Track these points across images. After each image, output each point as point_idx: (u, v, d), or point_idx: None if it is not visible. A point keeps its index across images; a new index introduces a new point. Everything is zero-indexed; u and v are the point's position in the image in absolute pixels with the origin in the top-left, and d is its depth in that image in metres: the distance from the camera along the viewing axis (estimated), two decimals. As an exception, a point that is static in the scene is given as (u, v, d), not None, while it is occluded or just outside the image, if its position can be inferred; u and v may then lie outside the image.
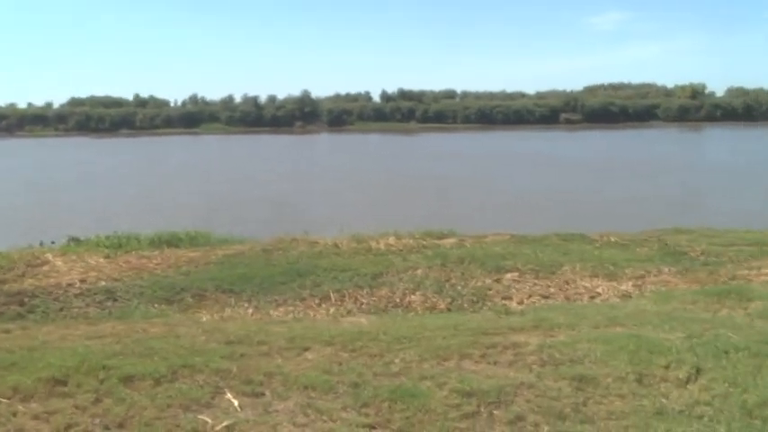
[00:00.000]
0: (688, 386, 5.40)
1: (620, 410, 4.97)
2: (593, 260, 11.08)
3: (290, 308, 8.83)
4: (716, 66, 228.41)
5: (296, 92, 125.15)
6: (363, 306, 8.89)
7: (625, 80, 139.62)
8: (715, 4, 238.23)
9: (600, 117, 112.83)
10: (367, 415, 4.95)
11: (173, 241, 13.57)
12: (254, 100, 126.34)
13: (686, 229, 14.31)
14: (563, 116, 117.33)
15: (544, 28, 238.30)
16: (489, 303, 8.83)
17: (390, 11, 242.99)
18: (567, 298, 9.28)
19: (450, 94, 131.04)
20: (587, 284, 9.89)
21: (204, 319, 8.13)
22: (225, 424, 4.78)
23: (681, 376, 5.53)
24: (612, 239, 12.94)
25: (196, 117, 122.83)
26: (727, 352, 6.03)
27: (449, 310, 8.66)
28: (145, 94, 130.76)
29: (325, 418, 4.92)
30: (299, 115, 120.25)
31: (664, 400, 5.14)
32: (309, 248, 12.07)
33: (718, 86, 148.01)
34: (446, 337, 6.57)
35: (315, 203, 30.31)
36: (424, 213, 23.59)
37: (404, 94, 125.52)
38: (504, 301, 8.96)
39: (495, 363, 5.95)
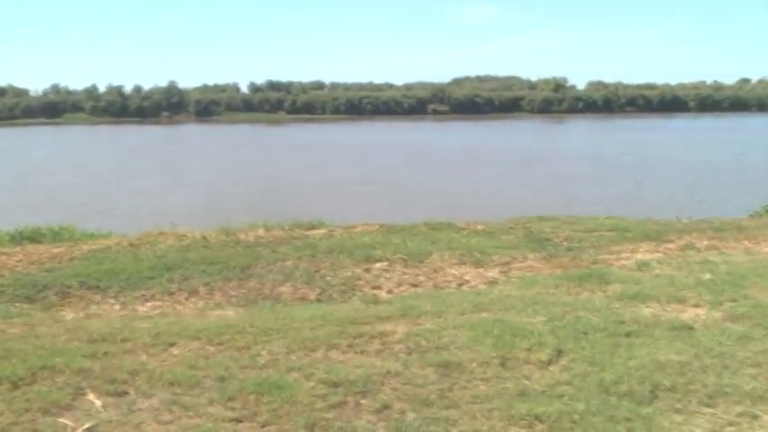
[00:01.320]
0: (549, 367, 5.54)
1: (485, 394, 5.05)
2: (461, 248, 11.22)
3: (158, 303, 8.58)
4: (578, 60, 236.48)
5: (163, 82, 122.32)
6: (233, 299, 8.73)
7: (492, 73, 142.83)
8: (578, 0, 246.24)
9: (467, 108, 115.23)
10: (233, 409, 4.86)
11: (35, 237, 12.98)
12: (119, 90, 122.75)
13: (550, 216, 14.69)
14: (431, 107, 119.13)
15: (413, 20, 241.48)
16: (359, 293, 8.82)
17: None
18: (436, 286, 9.36)
19: (318, 85, 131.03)
20: (455, 272, 10.02)
21: (68, 317, 7.80)
22: (86, 426, 4.60)
23: (543, 358, 5.67)
24: (480, 228, 13.16)
25: (59, 107, 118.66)
26: (586, 333, 6.24)
27: (318, 300, 8.61)
28: (2, 83, 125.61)
29: (190, 413, 4.81)
30: (166, 105, 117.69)
31: (526, 382, 5.25)
32: (178, 242, 11.78)
33: (579, 80, 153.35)
34: (314, 328, 6.53)
35: (185, 196, 29.73)
36: (295, 205, 23.49)
37: (272, 85, 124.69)
38: (373, 291, 8.97)
39: (362, 352, 5.94)
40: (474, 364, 5.55)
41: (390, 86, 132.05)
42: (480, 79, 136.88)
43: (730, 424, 4.70)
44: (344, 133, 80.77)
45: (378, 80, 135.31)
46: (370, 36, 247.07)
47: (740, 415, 4.80)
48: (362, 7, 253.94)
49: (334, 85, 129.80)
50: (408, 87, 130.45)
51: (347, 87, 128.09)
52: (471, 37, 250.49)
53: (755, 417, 4.78)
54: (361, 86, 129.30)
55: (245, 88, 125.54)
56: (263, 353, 5.92)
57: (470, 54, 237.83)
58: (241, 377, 5.35)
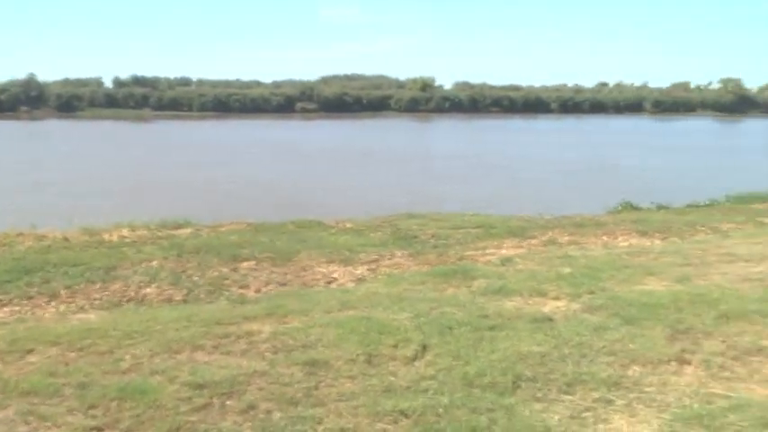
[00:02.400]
0: (415, 363, 5.64)
1: (351, 391, 5.09)
2: (330, 246, 11.27)
3: (16, 308, 8.23)
4: (444, 61, 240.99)
5: (21, 74, 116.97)
6: (96, 302, 8.47)
7: (359, 71, 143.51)
8: (442, 2, 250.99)
9: (335, 107, 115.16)
10: (94, 416, 4.73)
11: None
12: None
13: (417, 213, 14.91)
14: (299, 105, 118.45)
15: (279, 18, 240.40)
16: (226, 293, 8.73)
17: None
18: (304, 284, 9.36)
19: (185, 82, 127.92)
20: (324, 270, 10.04)
21: None
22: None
23: (408, 354, 5.76)
24: (348, 226, 13.24)
25: None
26: (451, 328, 6.37)
27: (185, 301, 8.47)
28: None
29: (48, 424, 4.65)
30: (25, 99, 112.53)
31: (392, 378, 5.33)
32: (37, 243, 11.35)
33: (446, 80, 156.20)
34: (179, 330, 6.42)
35: (47, 194, 28.65)
36: (163, 204, 22.97)
37: (137, 80, 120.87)
38: (240, 290, 8.90)
39: (228, 353, 5.89)
40: (340, 362, 5.59)
41: (258, 84, 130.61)
42: (348, 78, 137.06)
43: (587, 409, 4.89)
44: (212, 131, 79.57)
45: (246, 77, 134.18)
46: (237, 33, 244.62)
47: (596, 401, 5.02)
48: (228, 4, 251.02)
49: (201, 82, 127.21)
50: (276, 85, 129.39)
51: (214, 84, 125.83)
52: (337, 36, 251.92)
53: (610, 401, 5.01)
54: (228, 83, 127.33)
55: (108, 83, 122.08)
56: (126, 357, 5.79)
57: (337, 53, 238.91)
58: (103, 383, 5.21)
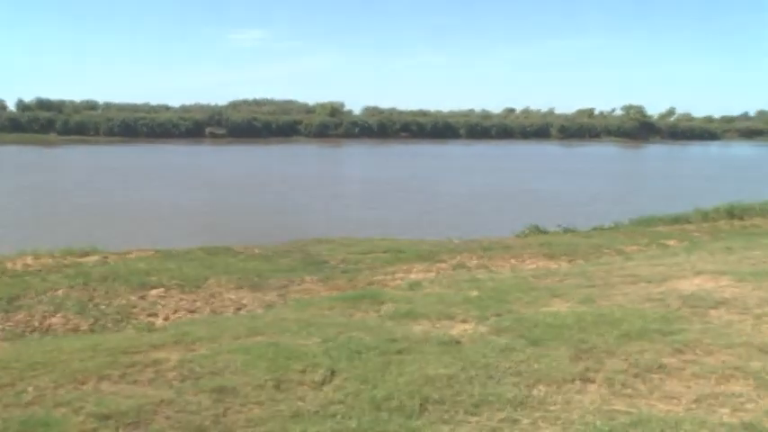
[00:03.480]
0: (323, 387, 5.66)
1: (259, 417, 5.10)
2: (239, 272, 11.23)
3: None
4: (353, 86, 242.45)
5: None
6: (-2, 333, 8.30)
7: (269, 96, 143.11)
8: (348, 27, 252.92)
9: (244, 131, 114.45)
10: (-5, 450, 4.65)
11: None
12: None
13: (327, 239, 14.99)
14: (208, 130, 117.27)
15: (189, 41, 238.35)
16: (134, 321, 8.64)
17: (28, 11, 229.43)
18: (214, 311, 9.32)
19: (91, 105, 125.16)
20: (233, 296, 10.02)
21: None
22: None
23: (316, 379, 5.79)
24: (257, 251, 13.22)
25: None
26: (359, 352, 6.41)
27: (92, 330, 8.35)
28: None
29: (-54, 459, 4.55)
30: None
31: (300, 403, 5.34)
32: (-65, 274, 11.03)
33: (355, 105, 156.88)
34: (84, 360, 6.32)
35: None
36: (68, 232, 22.48)
37: (42, 104, 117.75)
38: (149, 318, 8.82)
39: (134, 382, 5.82)
40: (248, 388, 5.58)
41: (167, 108, 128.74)
42: (257, 103, 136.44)
43: (493, 430, 4.98)
44: (119, 156, 78.14)
45: (154, 101, 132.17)
46: (144, 56, 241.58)
47: (502, 420, 5.11)
48: (135, 26, 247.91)
49: (108, 106, 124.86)
50: (185, 110, 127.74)
51: (121, 108, 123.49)
52: (246, 61, 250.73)
53: (516, 421, 5.10)
54: (136, 107, 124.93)
55: (12, 106, 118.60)
56: (29, 389, 5.67)
57: (246, 77, 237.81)
58: (4, 416, 5.10)
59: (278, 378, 5.79)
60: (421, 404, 5.31)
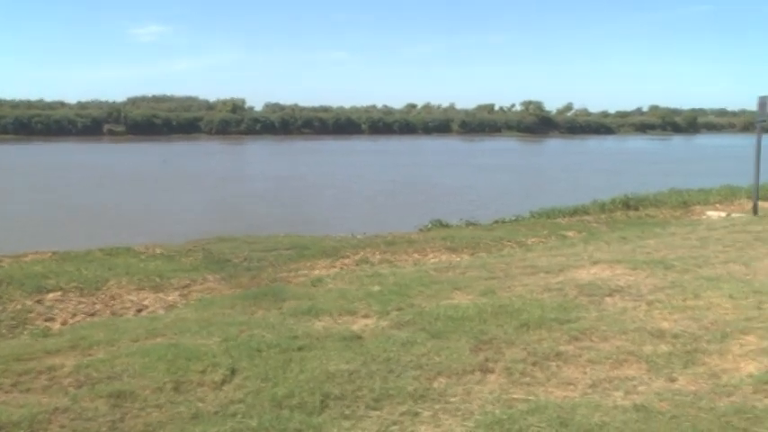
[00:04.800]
0: (223, 387, 5.61)
1: (158, 420, 5.02)
2: (140, 273, 11.02)
3: None
4: (255, 82, 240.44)
5: None
6: None
7: (169, 93, 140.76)
8: (250, 23, 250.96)
9: (144, 129, 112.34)
10: None
11: None
12: None
13: (229, 237, 14.83)
14: (107, 127, 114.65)
15: (86, 36, 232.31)
16: (30, 327, 8.38)
17: None
18: (114, 313, 9.13)
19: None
20: (134, 298, 9.83)
21: None
22: None
23: (216, 379, 5.74)
24: (159, 251, 12.98)
25: None
26: (260, 350, 6.38)
27: (-15, 338, 8.08)
28: None
29: None
30: None
31: (200, 404, 5.29)
32: None
33: (257, 102, 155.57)
34: (-27, 369, 6.13)
35: None
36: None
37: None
38: (46, 323, 8.58)
39: (27, 390, 5.64)
40: (147, 392, 5.49)
41: (63, 105, 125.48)
42: (157, 99, 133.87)
43: (394, 423, 5.02)
44: (13, 155, 75.82)
45: (49, 98, 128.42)
46: (39, 51, 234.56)
47: (403, 414, 5.16)
48: (28, 20, 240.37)
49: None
50: (82, 106, 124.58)
51: (14, 105, 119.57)
52: (146, 56, 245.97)
53: (416, 414, 5.17)
54: (30, 104, 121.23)
55: None
56: None
57: (146, 73, 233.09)
58: None
59: (177, 380, 5.71)
60: (322, 400, 5.33)
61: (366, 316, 7.89)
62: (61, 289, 10.14)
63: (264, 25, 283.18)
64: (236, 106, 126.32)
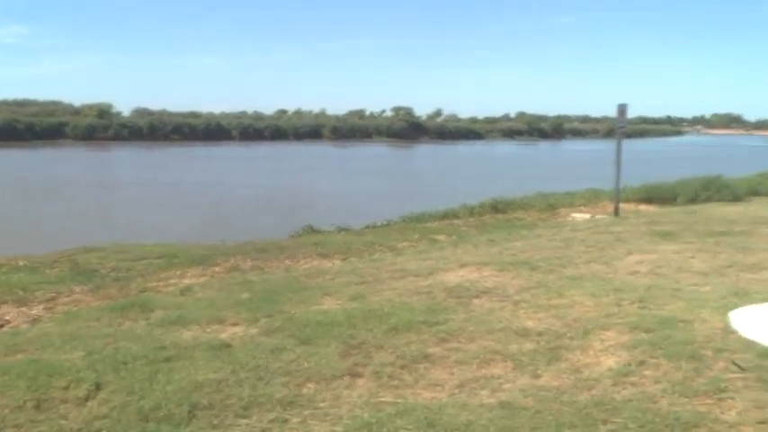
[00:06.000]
0: (87, 403, 5.48)
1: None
2: (1, 286, 10.63)
3: None
4: (123, 86, 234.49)
5: None
6: None
7: (32, 97, 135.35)
8: (116, 25, 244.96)
9: (5, 134, 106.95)
10: None
11: None
12: None
13: (97, 246, 14.44)
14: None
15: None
16: None
17: None
18: (-27, 330, 8.76)
19: None
20: (-8, 313, 9.46)
21: None
22: None
23: (80, 395, 5.59)
24: (21, 263, 12.55)
25: None
26: (126, 363, 6.26)
27: None
28: None
29: None
30: None
31: (63, 422, 5.15)
32: None
33: (124, 106, 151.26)
34: None
35: None
36: None
37: None
38: None
39: None
40: (6, 411, 5.31)
41: None
42: (19, 104, 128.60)
43: (263, 431, 5.04)
44: None
45: None
46: None
47: (272, 421, 5.18)
48: None
49: None
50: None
51: None
52: (6, 58, 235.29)
53: (285, 420, 5.19)
54: None
55: None
56: None
57: (5, 76, 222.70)
58: None
59: (38, 397, 5.54)
60: (189, 411, 5.28)
61: (235, 324, 7.86)
62: None
63: (134, 28, 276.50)
64: (103, 111, 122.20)
